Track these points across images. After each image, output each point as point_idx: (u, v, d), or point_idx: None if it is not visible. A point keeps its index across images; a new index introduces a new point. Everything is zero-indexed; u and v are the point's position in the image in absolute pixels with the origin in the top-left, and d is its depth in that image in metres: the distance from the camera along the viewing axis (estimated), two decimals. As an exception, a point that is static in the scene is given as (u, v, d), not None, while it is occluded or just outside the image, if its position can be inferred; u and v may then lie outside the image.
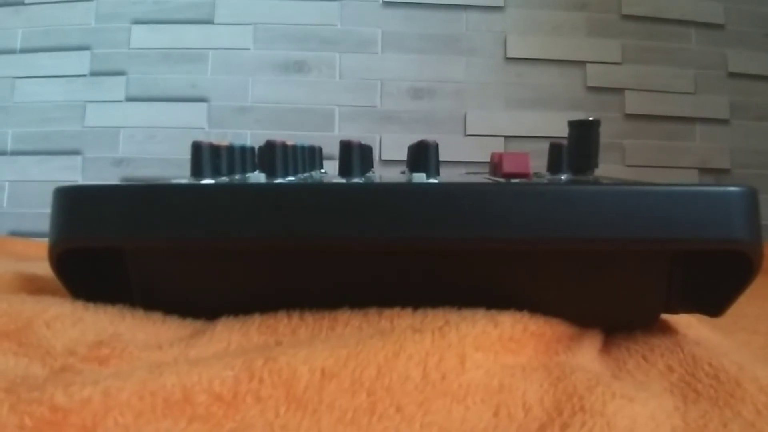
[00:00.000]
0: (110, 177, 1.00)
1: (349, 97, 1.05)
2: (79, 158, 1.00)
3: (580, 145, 0.33)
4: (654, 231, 0.25)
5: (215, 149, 0.34)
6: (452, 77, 1.06)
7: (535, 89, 1.07)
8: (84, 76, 1.00)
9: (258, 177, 0.31)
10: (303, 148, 0.40)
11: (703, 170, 1.09)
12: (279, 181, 0.32)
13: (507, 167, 0.32)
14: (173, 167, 1.00)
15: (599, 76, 1.08)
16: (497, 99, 1.07)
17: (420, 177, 0.31)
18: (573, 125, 0.33)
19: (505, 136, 1.07)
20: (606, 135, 1.11)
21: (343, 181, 0.31)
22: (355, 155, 0.32)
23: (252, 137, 1.03)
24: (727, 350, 0.30)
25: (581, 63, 1.08)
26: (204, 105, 1.02)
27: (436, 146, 0.32)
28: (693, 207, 0.25)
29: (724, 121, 1.09)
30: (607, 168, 1.05)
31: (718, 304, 0.31)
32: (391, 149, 1.05)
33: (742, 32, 1.10)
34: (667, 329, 0.32)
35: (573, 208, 0.25)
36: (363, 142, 0.37)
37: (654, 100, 1.08)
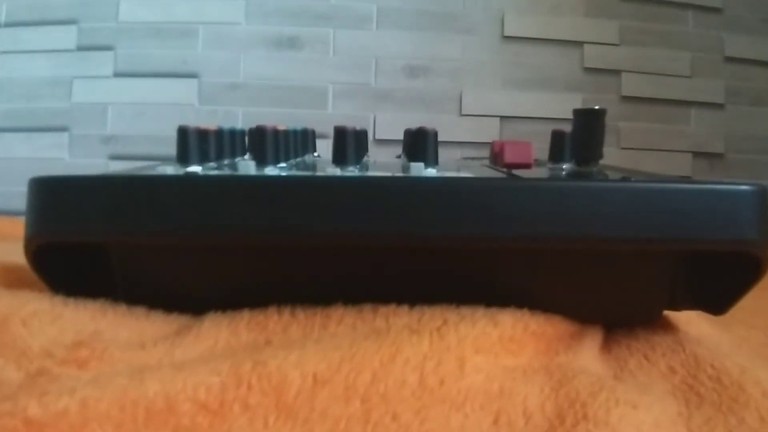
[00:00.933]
0: (98, 154, 0.98)
1: (343, 75, 1.03)
2: (66, 135, 0.98)
3: (585, 135, 0.31)
4: (661, 231, 0.24)
5: (202, 134, 0.32)
6: (448, 55, 1.05)
7: (531, 69, 1.06)
8: (71, 51, 0.97)
9: (248, 164, 0.29)
10: (295, 132, 0.39)
11: (698, 154, 1.08)
12: (270, 169, 0.31)
13: (509, 157, 0.31)
14: (163, 145, 0.98)
15: (596, 57, 1.06)
16: (493, 78, 1.06)
17: (418, 167, 0.30)
18: (578, 114, 0.32)
19: (501, 117, 1.05)
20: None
21: (338, 170, 0.30)
22: (349, 142, 0.31)
23: (243, 114, 1.01)
24: (728, 350, 0.29)
25: (578, 43, 1.06)
26: (194, 81, 1.00)
27: (435, 134, 0.31)
28: (702, 206, 0.24)
29: (719, 106, 1.08)
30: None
31: (721, 302, 0.30)
32: (385, 128, 1.03)
33: (740, 16, 1.08)
34: (667, 326, 0.31)
35: (579, 206, 0.24)
36: (358, 127, 0.35)
37: (650, 82, 1.07)
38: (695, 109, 1.08)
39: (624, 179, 0.30)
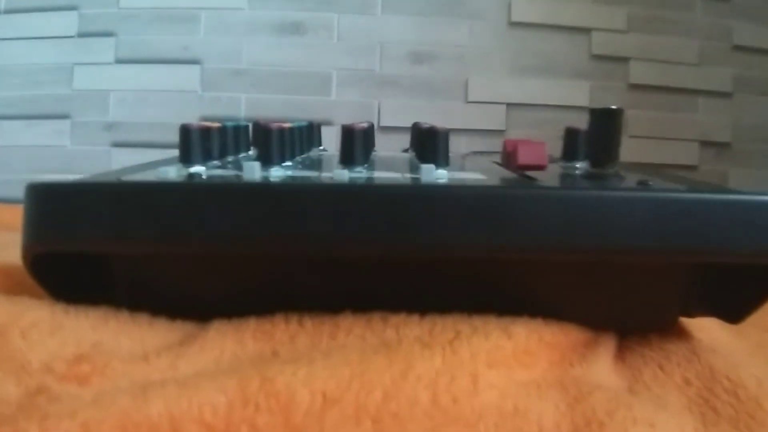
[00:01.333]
0: (101, 142, 0.97)
1: (348, 61, 1.02)
2: (68, 122, 0.97)
3: (601, 136, 0.31)
4: (684, 242, 0.23)
5: (205, 132, 0.32)
6: (454, 41, 1.03)
7: (539, 56, 1.04)
8: (72, 37, 0.96)
9: (252, 165, 0.29)
10: (300, 128, 0.38)
11: (704, 143, 1.07)
12: (275, 169, 0.30)
13: (522, 158, 0.30)
14: (165, 132, 0.97)
15: (604, 44, 1.05)
16: (500, 65, 1.04)
17: (429, 169, 0.29)
18: (595, 114, 0.31)
19: (507, 104, 1.04)
20: (609, 105, 1.09)
21: (345, 171, 0.29)
22: (357, 142, 0.30)
23: (246, 101, 1.00)
24: (743, 358, 0.29)
25: (586, 30, 1.05)
26: (197, 67, 0.99)
27: (446, 134, 0.30)
28: (726, 216, 0.23)
29: (726, 95, 1.07)
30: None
31: (736, 310, 0.29)
32: (390, 115, 1.02)
33: (749, 5, 1.07)
34: (682, 333, 0.31)
35: (602, 216, 0.23)
36: (365, 123, 0.34)
37: (658, 70, 1.06)
38: (703, 98, 1.07)
39: (642, 183, 0.29)
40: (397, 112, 1.03)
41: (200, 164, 0.30)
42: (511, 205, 0.23)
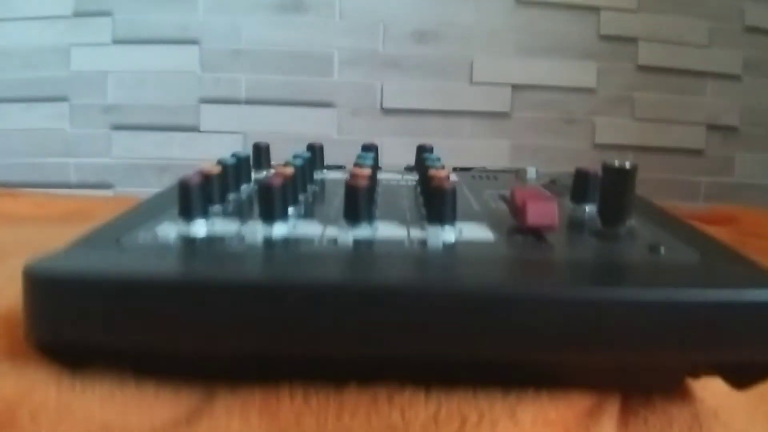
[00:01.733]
0: (100, 124, 0.96)
1: (349, 40, 1.00)
2: (66, 105, 0.95)
3: (613, 195, 0.30)
4: (695, 344, 0.23)
5: (205, 181, 0.31)
6: (460, 20, 1.01)
7: (546, 36, 1.02)
8: (67, 17, 0.94)
9: (254, 229, 0.28)
10: (302, 165, 0.37)
11: (711, 127, 1.06)
12: (278, 226, 0.29)
13: (532, 219, 0.29)
14: (165, 114, 0.96)
15: (613, 23, 1.03)
16: (506, 45, 1.02)
17: (435, 231, 0.29)
18: (608, 171, 0.30)
19: (513, 85, 1.03)
20: (617, 87, 1.07)
21: (350, 233, 0.29)
22: (361, 200, 0.29)
23: (246, 82, 0.98)
24: (744, 421, 0.29)
25: (595, 9, 1.03)
26: (195, 48, 0.97)
27: (454, 192, 0.30)
28: (745, 317, 0.23)
29: (736, 77, 1.06)
30: (616, 122, 1.02)
31: (744, 378, 0.29)
32: (393, 97, 1.01)
33: (761, -16, 1.05)
34: (685, 393, 0.31)
35: (607, 323, 0.23)
36: (368, 170, 0.34)
37: (667, 51, 1.04)
38: (711, 81, 1.05)
39: (653, 249, 0.28)
40: (400, 94, 1.01)
41: (200, 216, 0.30)
42: (513, 309, 0.23)
